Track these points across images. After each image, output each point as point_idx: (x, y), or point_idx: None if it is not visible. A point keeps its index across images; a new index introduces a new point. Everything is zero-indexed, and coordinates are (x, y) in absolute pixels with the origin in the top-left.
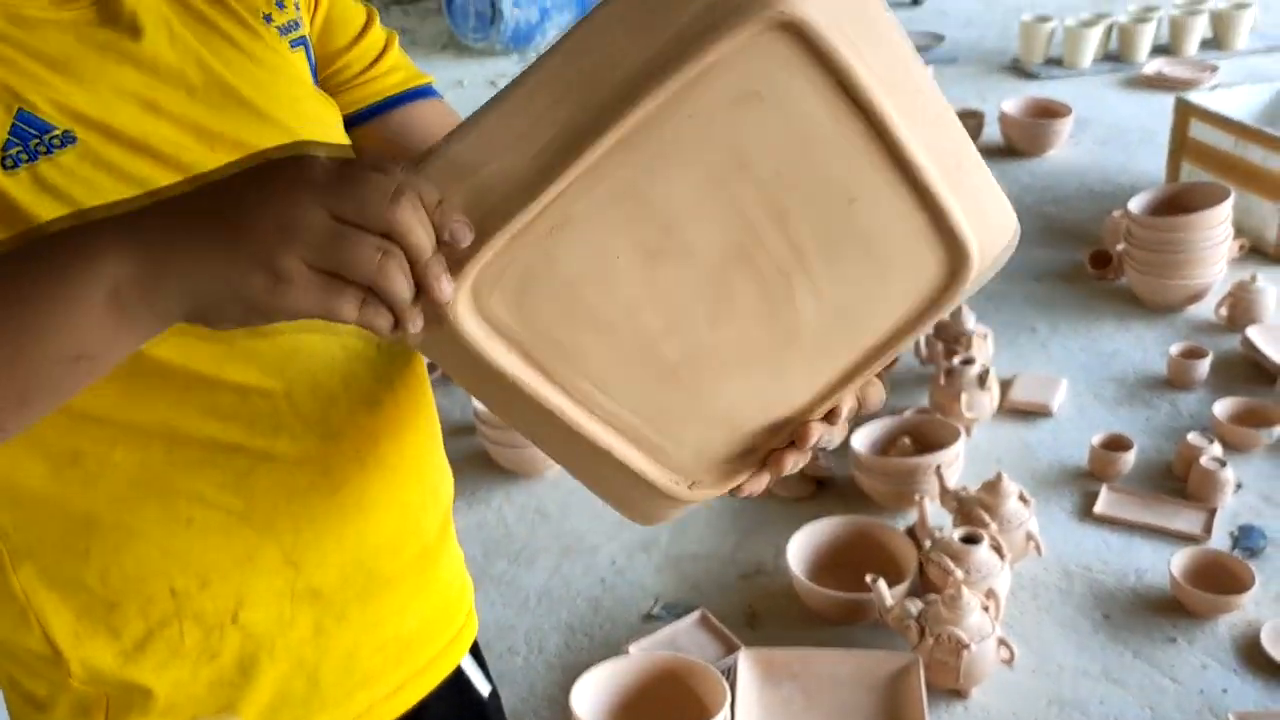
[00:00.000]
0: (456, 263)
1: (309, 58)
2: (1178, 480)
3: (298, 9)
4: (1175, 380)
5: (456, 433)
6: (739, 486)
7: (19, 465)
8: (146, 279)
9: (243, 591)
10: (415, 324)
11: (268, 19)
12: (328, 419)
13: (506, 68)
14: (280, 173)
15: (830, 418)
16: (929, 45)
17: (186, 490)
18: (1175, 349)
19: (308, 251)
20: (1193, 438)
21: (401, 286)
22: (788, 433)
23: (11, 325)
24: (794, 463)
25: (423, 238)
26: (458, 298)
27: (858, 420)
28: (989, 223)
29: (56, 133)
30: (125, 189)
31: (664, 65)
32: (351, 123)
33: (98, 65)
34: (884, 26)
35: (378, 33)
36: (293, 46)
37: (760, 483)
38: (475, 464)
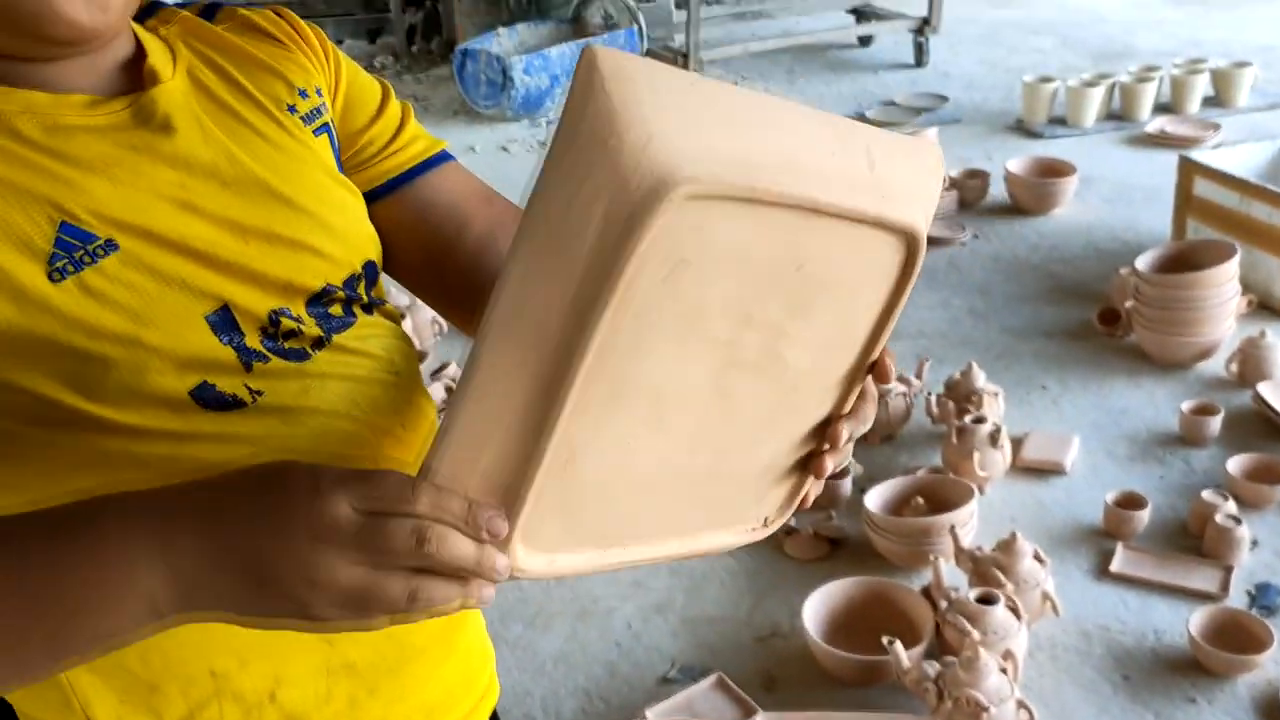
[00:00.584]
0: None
1: (332, 142)
2: (1193, 538)
3: (319, 95)
4: (1188, 437)
5: None
6: (804, 499)
7: None
8: (183, 601)
9: (281, 670)
10: (494, 573)
11: (291, 109)
12: None
13: (517, 133)
14: (297, 520)
15: (851, 412)
16: (934, 106)
17: None
18: (1187, 406)
19: (338, 594)
20: (1207, 495)
21: (464, 543)
22: (820, 440)
23: (52, 614)
24: (835, 462)
25: (458, 502)
26: (513, 553)
27: (870, 480)
28: (918, 185)
29: (99, 241)
30: (166, 290)
31: (593, 296)
32: (374, 196)
33: (134, 167)
34: (724, 105)
35: (394, 106)
36: (316, 134)
37: (817, 488)
38: None
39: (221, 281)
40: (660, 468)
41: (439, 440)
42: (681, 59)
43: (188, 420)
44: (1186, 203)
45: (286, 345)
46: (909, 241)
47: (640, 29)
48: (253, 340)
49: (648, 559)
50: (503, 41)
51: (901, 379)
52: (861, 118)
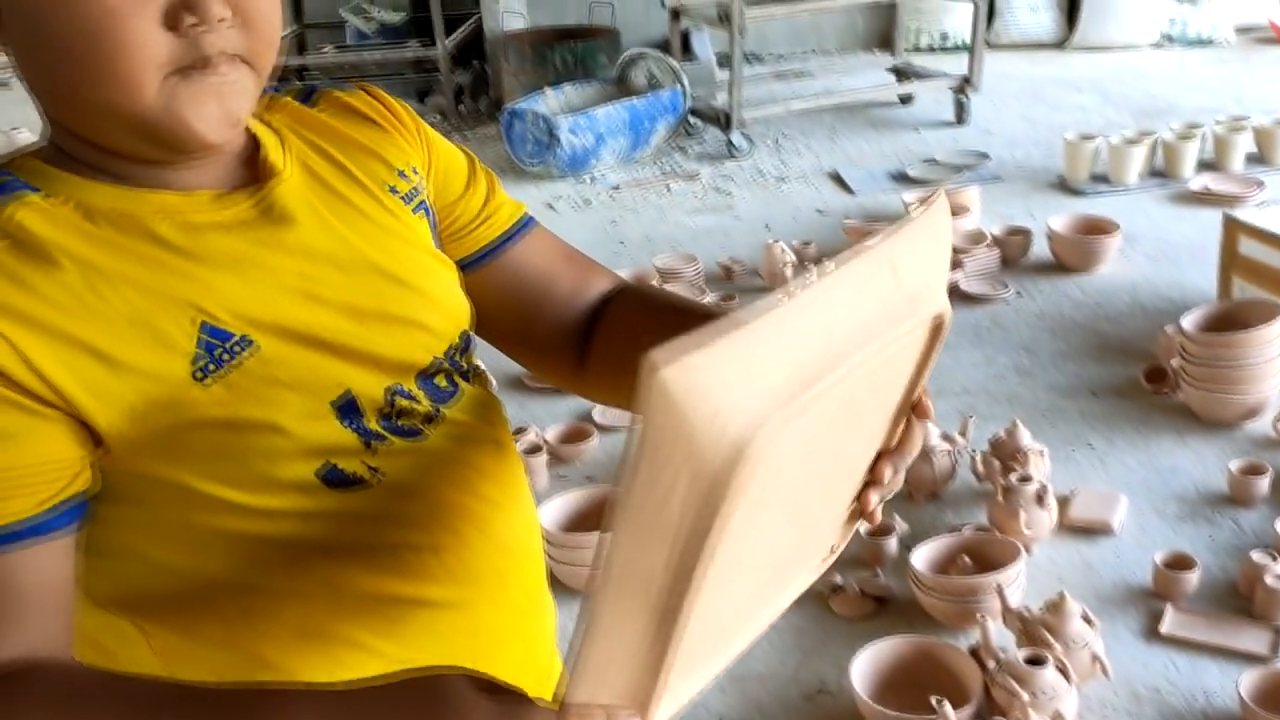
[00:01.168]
0: None
1: (429, 219)
2: (1243, 598)
3: (415, 173)
4: (1237, 497)
5: None
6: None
7: (197, 621)
8: None
9: None
10: None
11: (392, 190)
12: (468, 566)
13: (563, 190)
14: None
15: (897, 447)
16: (975, 164)
17: (345, 637)
18: (1235, 465)
19: None
20: (1256, 556)
21: None
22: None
23: None
24: (880, 495)
25: (598, 713)
26: None
27: (915, 538)
28: (936, 261)
29: (236, 338)
30: (300, 382)
31: (692, 556)
32: (466, 265)
33: (262, 263)
34: (768, 330)
35: (481, 177)
36: (415, 212)
37: (874, 518)
38: None
39: (344, 368)
40: (756, 573)
41: (572, 676)
42: (724, 118)
43: (315, 500)
44: (1231, 261)
45: (402, 424)
46: (936, 323)
47: (684, 89)
48: (372, 422)
49: (750, 641)
50: (549, 101)
51: (946, 437)
52: (904, 176)
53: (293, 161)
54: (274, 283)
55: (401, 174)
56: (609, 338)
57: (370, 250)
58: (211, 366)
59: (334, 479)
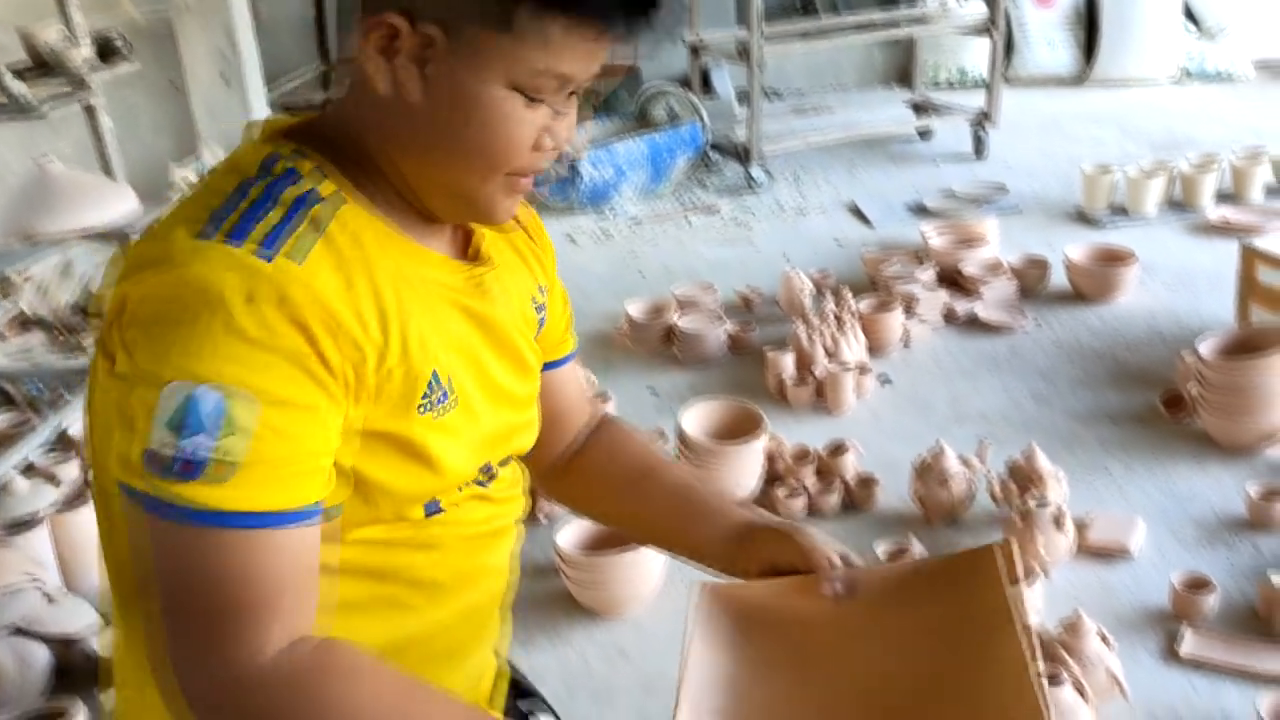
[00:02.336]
0: None
1: (540, 326)
2: (1262, 621)
3: (544, 292)
4: (1255, 521)
5: (539, 574)
6: None
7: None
8: None
9: None
10: None
11: (535, 302)
12: (454, 601)
13: (584, 223)
14: None
15: None
16: (993, 196)
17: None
18: (1254, 490)
19: None
20: (1276, 578)
21: None
22: None
23: None
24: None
25: None
26: None
27: None
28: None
29: (445, 389)
30: (471, 442)
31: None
32: None
33: (466, 330)
34: None
35: (567, 305)
36: (540, 324)
37: None
38: (558, 603)
39: (494, 443)
40: None
41: None
42: (744, 152)
43: (415, 529)
44: (1250, 289)
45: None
46: None
47: (704, 123)
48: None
49: None
50: None
51: (963, 461)
52: (921, 208)
53: (490, 248)
54: (468, 349)
55: (541, 289)
56: (588, 468)
57: (520, 341)
58: (426, 404)
59: (430, 509)
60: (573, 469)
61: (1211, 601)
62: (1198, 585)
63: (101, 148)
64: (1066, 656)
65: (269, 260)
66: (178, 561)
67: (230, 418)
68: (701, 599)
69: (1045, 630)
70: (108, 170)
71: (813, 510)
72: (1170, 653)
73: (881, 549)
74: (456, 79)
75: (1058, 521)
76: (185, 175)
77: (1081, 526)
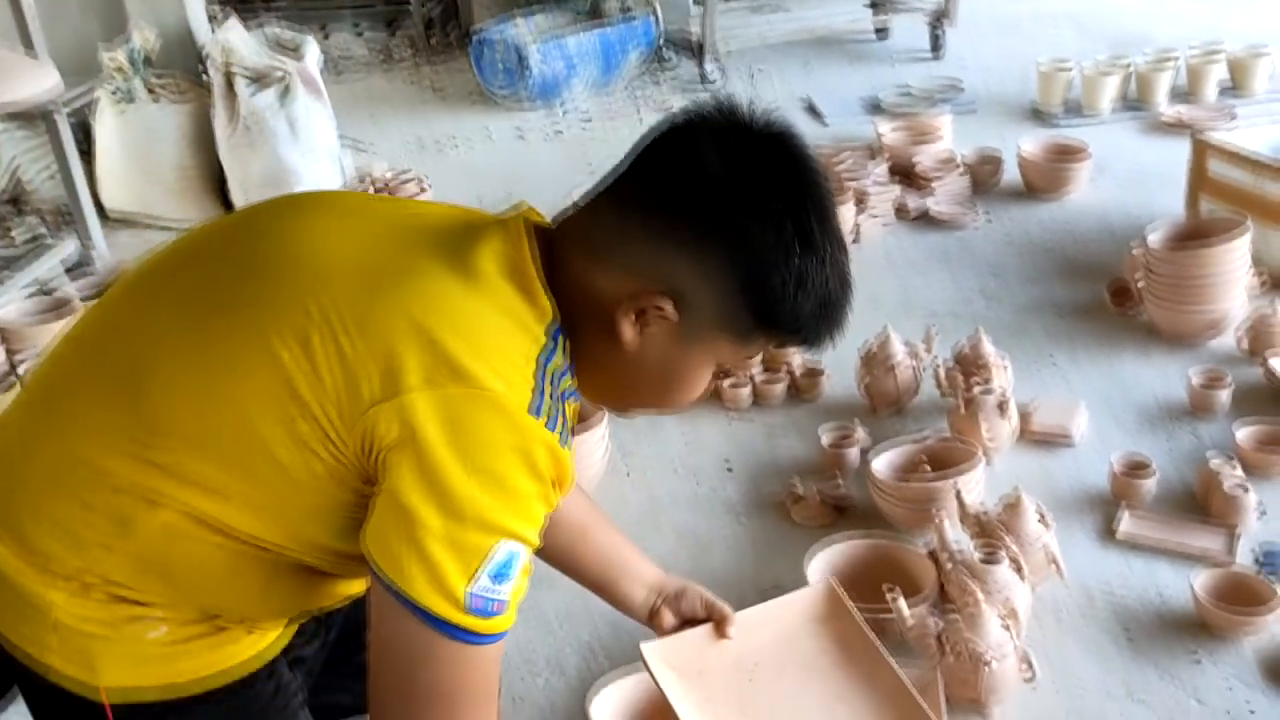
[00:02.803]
0: None
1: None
2: (1200, 505)
3: None
4: (1197, 408)
5: None
6: None
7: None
8: None
9: None
10: None
11: None
12: None
13: (534, 121)
14: None
15: None
16: (949, 94)
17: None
18: (1196, 377)
19: None
20: (1215, 462)
21: None
22: None
23: None
24: None
25: None
26: None
27: (876, 443)
28: None
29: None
30: None
31: None
32: None
33: None
34: None
35: None
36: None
37: None
38: None
39: None
40: None
41: None
42: (698, 48)
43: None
44: (1200, 182)
45: None
46: None
47: (657, 18)
48: None
49: None
50: (519, 28)
51: (909, 350)
52: (877, 106)
53: None
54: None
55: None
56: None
57: None
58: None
59: None
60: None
61: (1150, 484)
62: (1137, 468)
63: (24, 25)
64: (1004, 536)
65: (563, 447)
66: (446, 666)
67: (522, 569)
68: (652, 657)
69: (984, 510)
70: (30, 49)
71: (758, 400)
72: (1107, 534)
73: (826, 437)
74: (675, 350)
75: (1001, 408)
76: (114, 56)
77: (1025, 413)
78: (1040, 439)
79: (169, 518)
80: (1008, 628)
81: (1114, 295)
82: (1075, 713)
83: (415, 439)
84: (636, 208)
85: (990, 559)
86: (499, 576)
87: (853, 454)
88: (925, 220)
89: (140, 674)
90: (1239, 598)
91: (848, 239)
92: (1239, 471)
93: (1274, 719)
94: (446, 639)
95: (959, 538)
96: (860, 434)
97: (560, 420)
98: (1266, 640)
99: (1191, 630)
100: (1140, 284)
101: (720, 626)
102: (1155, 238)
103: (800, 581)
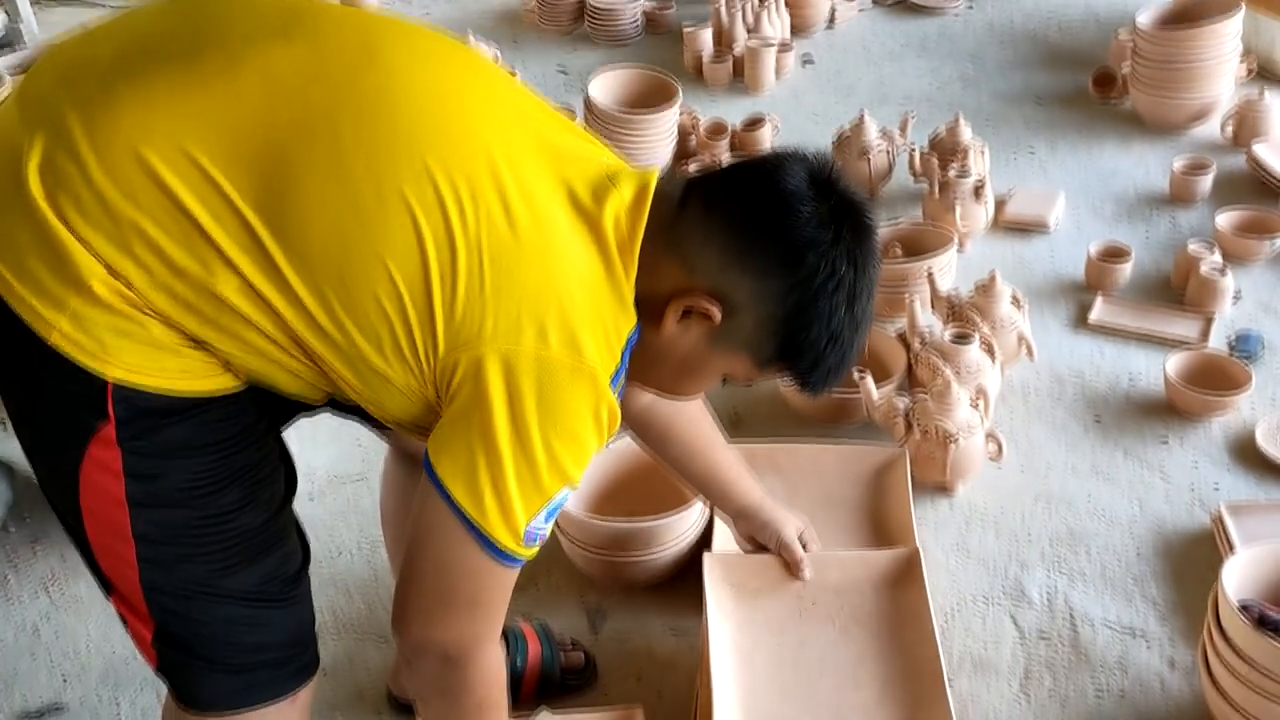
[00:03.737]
0: None
1: None
2: (1176, 292)
3: None
4: (1177, 196)
5: None
6: None
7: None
8: None
9: None
10: None
11: None
12: None
13: None
14: None
15: None
16: None
17: None
18: (1178, 164)
19: None
20: (1193, 247)
21: None
22: None
23: None
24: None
25: None
26: None
27: None
28: None
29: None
30: None
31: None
32: None
33: None
34: None
35: None
36: None
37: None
38: None
39: None
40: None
41: None
42: None
43: None
44: None
45: None
46: None
47: None
48: None
49: None
50: None
51: (884, 135)
52: None
53: None
54: None
55: None
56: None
57: None
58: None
59: None
60: (645, 412)
61: (1126, 270)
62: (1114, 255)
63: None
64: (977, 318)
65: (617, 402)
66: (483, 580)
67: (560, 510)
68: (710, 566)
69: (956, 293)
70: None
71: None
72: (1080, 321)
73: None
74: (701, 351)
75: (977, 192)
76: None
77: (1001, 201)
78: (1016, 227)
79: (233, 292)
80: (977, 407)
81: (1097, 83)
82: (1040, 491)
83: (515, 391)
84: (725, 218)
85: (962, 339)
86: (550, 515)
87: None
88: (903, 6)
89: (147, 369)
90: (1211, 381)
91: (822, 25)
92: (1217, 256)
93: (1238, 494)
94: (498, 563)
95: (930, 322)
96: None
97: (624, 381)
98: (1235, 421)
99: (1161, 414)
100: (1126, 71)
101: (788, 569)
102: (1145, 18)
103: None
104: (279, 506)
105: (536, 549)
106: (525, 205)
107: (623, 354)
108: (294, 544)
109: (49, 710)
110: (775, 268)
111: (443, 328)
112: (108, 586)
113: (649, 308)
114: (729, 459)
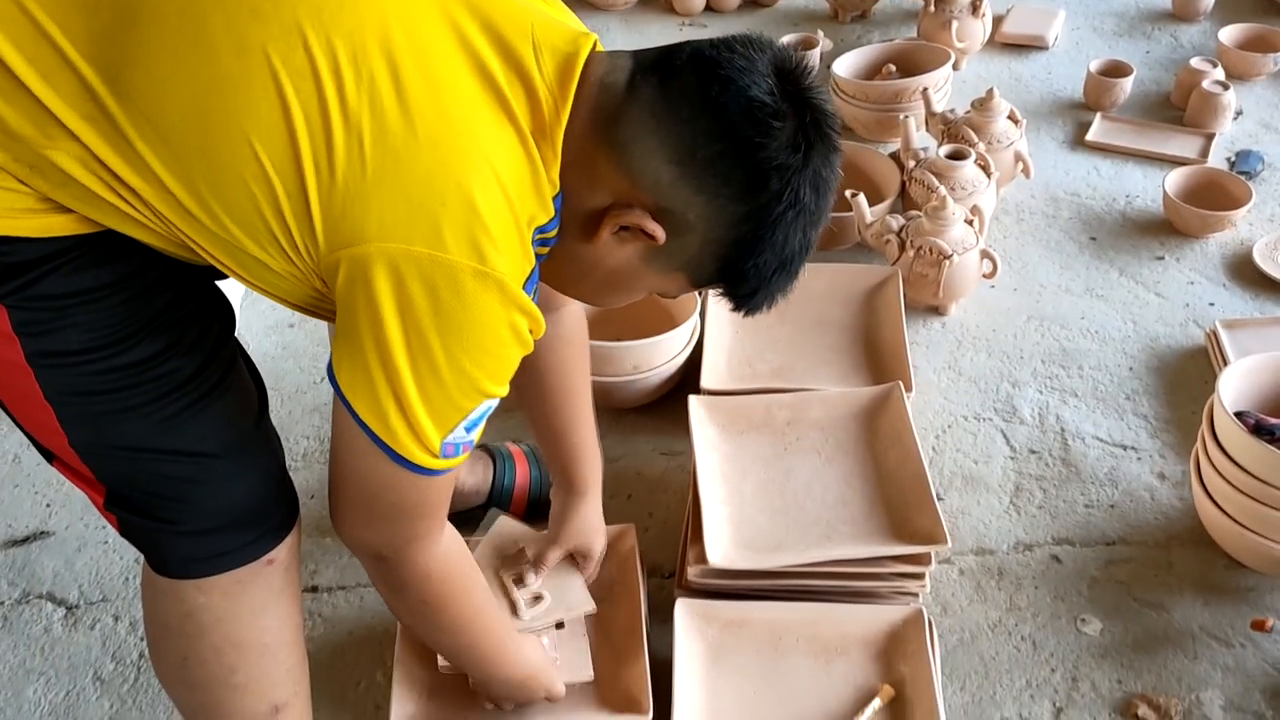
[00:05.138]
0: None
1: None
2: (1176, 109)
3: None
4: (1179, 11)
5: None
6: None
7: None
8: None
9: None
10: None
11: None
12: None
13: None
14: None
15: None
16: None
17: None
18: None
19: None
20: (1195, 62)
21: None
22: None
23: (474, 657)
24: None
25: None
26: None
27: (839, 52)
28: None
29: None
30: None
31: None
32: None
33: None
34: None
35: None
36: None
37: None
38: None
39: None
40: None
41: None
42: None
43: None
44: None
45: None
46: None
47: None
48: None
49: None
50: None
51: None
52: None
53: None
54: None
55: None
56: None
57: None
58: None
59: None
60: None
61: (1125, 86)
62: (1114, 72)
63: None
64: (973, 135)
65: (536, 307)
66: (405, 491)
67: (489, 413)
68: (695, 407)
69: (954, 112)
70: None
71: (711, 5)
72: (1078, 140)
73: (788, 39)
74: (634, 267)
75: (975, 8)
76: None
77: (999, 18)
78: (1014, 44)
79: (75, 165)
80: (971, 225)
81: None
82: (1033, 310)
83: (406, 301)
84: (681, 126)
85: (957, 156)
86: (472, 426)
87: (812, 58)
88: None
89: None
90: (1209, 199)
91: None
92: (1219, 72)
93: (1232, 311)
94: (417, 475)
95: (925, 142)
96: (823, 41)
97: (537, 281)
98: (1232, 239)
99: (1157, 232)
100: None
101: (577, 565)
102: None
103: None
104: (214, 347)
105: (462, 458)
106: (420, 75)
107: (534, 248)
108: (244, 388)
109: (35, 536)
110: (735, 190)
111: (321, 222)
112: (48, 454)
113: (579, 213)
114: (585, 434)
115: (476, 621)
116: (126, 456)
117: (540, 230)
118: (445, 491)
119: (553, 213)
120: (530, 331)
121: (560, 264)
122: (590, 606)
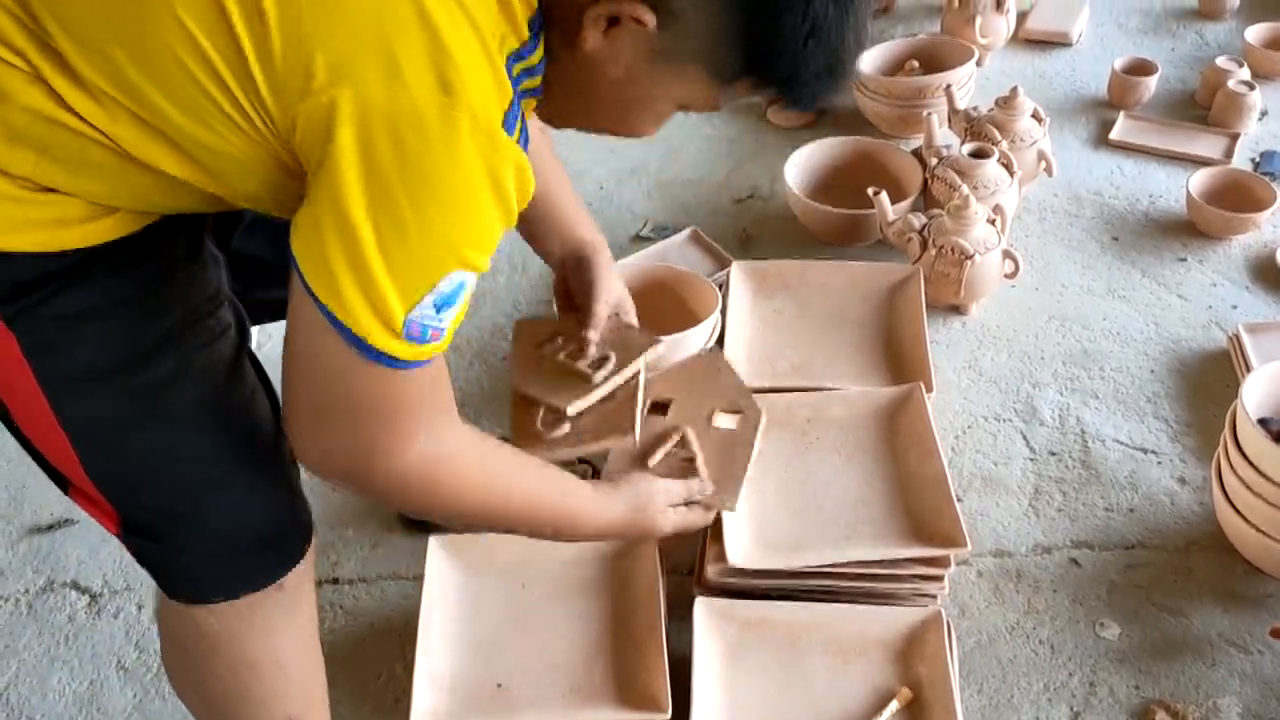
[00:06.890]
0: None
1: None
2: (1200, 109)
3: None
4: (1205, 10)
5: None
6: None
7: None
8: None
9: None
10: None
11: None
12: None
13: None
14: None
15: None
16: None
17: None
18: None
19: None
20: (1221, 61)
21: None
22: None
23: (542, 534)
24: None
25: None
26: None
27: None
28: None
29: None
30: None
31: None
32: None
33: None
34: None
35: None
36: None
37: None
38: None
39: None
40: None
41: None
42: None
43: None
44: None
45: None
46: None
47: None
48: None
49: None
50: None
51: None
52: None
53: None
54: None
55: None
56: None
57: None
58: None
59: None
60: None
61: (1150, 84)
62: (1138, 70)
63: None
64: (996, 133)
65: (524, 154)
66: (360, 384)
67: (466, 296)
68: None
69: (977, 110)
70: None
71: None
72: (1101, 139)
73: None
74: (642, 70)
75: (999, 4)
76: None
77: (1023, 13)
78: (1037, 40)
79: (46, 102)
80: (993, 224)
81: None
82: (1055, 310)
83: (368, 146)
84: None
85: (980, 155)
86: (443, 305)
87: None
88: None
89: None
90: (1234, 200)
91: None
92: (1245, 71)
93: (1255, 314)
94: (369, 362)
95: (948, 139)
96: None
97: (522, 124)
98: (1255, 241)
99: (1180, 233)
100: None
101: (582, 321)
102: None
103: (779, 189)
104: (229, 367)
105: (431, 348)
106: None
107: (514, 82)
108: (259, 407)
109: (60, 524)
110: None
111: (264, 79)
112: (63, 482)
113: (558, 18)
114: (571, 198)
115: (515, 507)
116: (138, 480)
117: (518, 57)
118: (409, 397)
119: (527, 34)
120: (515, 179)
121: (561, 95)
122: (659, 341)
